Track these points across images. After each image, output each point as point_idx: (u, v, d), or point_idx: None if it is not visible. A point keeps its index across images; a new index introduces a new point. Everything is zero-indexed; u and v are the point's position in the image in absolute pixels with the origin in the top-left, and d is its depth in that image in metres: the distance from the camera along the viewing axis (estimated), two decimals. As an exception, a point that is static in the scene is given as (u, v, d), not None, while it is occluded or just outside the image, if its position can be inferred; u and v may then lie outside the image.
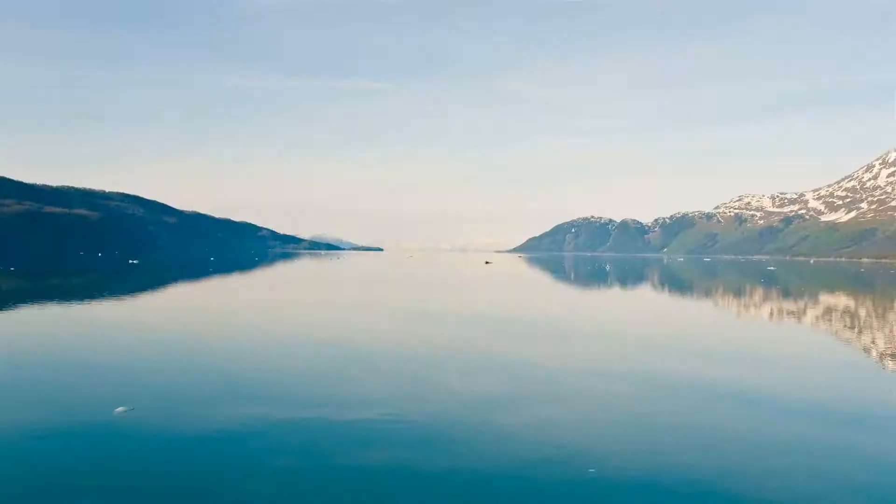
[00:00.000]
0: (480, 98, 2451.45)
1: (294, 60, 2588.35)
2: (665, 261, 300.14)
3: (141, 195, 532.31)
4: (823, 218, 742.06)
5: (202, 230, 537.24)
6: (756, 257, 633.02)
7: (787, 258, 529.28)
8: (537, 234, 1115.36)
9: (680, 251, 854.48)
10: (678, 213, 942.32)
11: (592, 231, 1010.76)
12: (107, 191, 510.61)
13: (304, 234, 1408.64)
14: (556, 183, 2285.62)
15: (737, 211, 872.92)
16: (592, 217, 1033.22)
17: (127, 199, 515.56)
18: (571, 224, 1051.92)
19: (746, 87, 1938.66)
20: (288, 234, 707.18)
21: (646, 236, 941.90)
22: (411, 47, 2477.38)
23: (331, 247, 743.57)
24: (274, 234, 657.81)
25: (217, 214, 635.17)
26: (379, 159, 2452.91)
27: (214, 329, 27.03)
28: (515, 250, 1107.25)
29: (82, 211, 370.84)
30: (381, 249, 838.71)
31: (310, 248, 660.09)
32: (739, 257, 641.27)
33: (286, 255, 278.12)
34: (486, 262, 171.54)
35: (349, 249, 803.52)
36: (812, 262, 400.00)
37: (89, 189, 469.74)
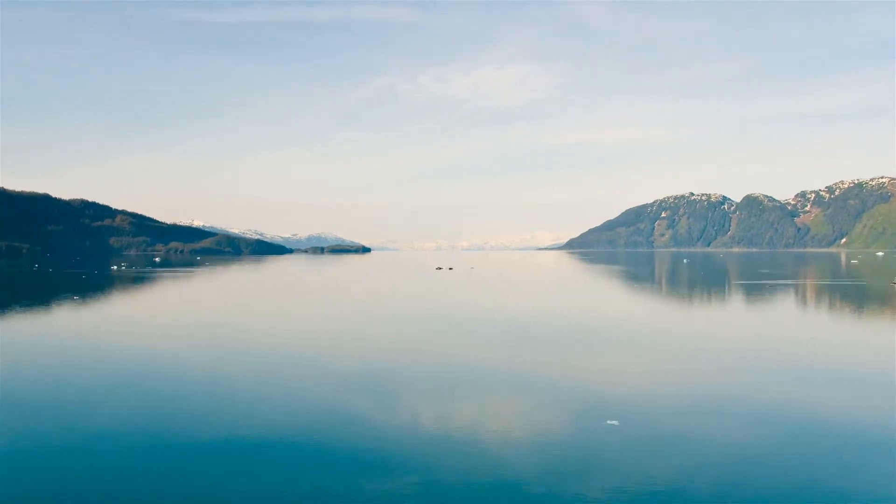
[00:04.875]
0: (533, 36, 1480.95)
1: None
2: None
3: None
4: None
5: None
6: None
7: None
8: (598, 225, 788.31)
9: (877, 243, 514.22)
10: (844, 183, 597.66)
11: (698, 215, 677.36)
12: None
13: (302, 232, 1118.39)
14: (623, 163, 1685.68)
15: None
16: (693, 195, 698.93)
17: None
18: (661, 205, 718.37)
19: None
20: (191, 225, 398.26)
21: (796, 220, 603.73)
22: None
23: (267, 247, 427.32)
24: (144, 225, 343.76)
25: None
26: (389, 139, 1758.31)
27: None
28: (568, 246, 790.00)
29: None
30: (368, 250, 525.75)
31: (216, 250, 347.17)
32: None
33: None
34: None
35: (294, 251, 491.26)
36: None
37: None
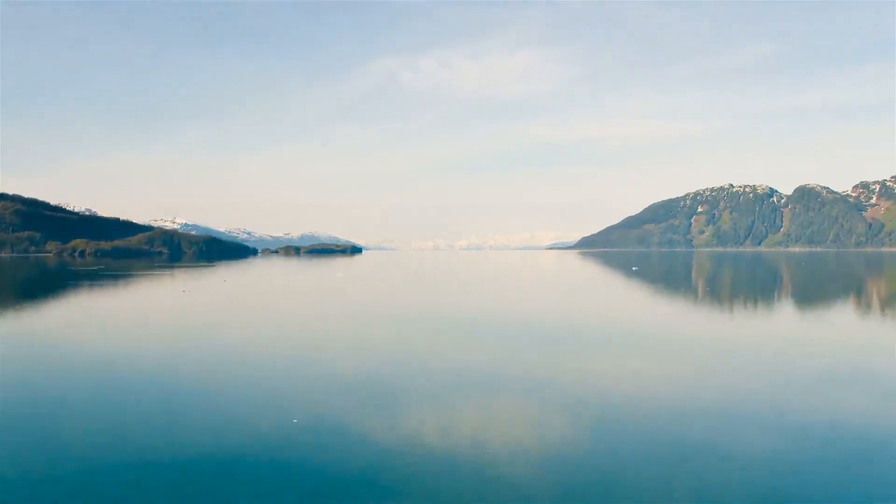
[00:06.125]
0: (543, 21, 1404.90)
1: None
2: None
3: None
4: None
5: None
6: None
7: None
8: (618, 222, 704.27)
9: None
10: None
11: (743, 209, 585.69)
12: None
13: (295, 231, 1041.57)
14: (623, 162, 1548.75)
15: None
16: (735, 187, 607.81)
17: None
18: (696, 199, 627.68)
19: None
20: (130, 220, 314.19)
21: (864, 213, 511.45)
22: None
23: (222, 248, 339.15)
24: (39, 215, 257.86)
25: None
26: (389, 135, 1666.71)
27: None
28: (586, 244, 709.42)
29: None
30: (359, 250, 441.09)
31: (142, 251, 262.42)
32: None
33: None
34: None
35: (259, 252, 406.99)
36: None
37: None
